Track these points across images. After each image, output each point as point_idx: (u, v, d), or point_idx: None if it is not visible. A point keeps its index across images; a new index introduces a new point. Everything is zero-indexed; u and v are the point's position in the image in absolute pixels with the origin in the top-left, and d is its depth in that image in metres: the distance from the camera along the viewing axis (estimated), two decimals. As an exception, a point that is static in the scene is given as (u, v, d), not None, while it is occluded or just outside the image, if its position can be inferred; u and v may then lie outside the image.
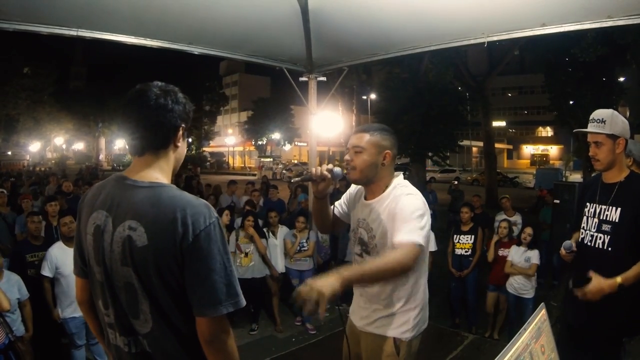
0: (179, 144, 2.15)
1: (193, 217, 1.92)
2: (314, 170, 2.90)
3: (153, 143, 2.07)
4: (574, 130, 4.02)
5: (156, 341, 2.01)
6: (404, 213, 2.74)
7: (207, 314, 1.92)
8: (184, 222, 1.90)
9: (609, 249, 3.41)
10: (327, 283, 2.27)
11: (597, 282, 3.21)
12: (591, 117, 3.50)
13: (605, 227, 3.45)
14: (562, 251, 3.74)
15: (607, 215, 3.46)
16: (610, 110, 3.48)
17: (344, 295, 2.72)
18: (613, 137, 3.40)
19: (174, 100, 2.07)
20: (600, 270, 3.29)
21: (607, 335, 3.42)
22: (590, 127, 3.46)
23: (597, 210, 3.54)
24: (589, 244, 3.56)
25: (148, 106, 2.02)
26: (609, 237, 3.42)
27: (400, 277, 2.79)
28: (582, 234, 3.65)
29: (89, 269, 2.13)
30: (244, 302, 2.01)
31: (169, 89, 2.10)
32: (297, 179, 3.21)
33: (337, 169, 2.92)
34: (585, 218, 3.64)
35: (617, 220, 3.38)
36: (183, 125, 2.13)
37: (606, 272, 3.25)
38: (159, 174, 2.09)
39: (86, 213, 2.11)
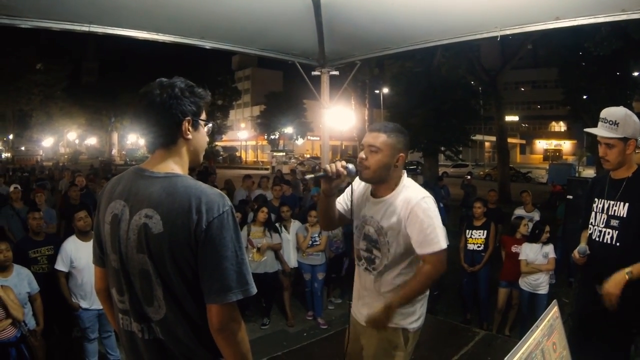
0: (189, 137, 2.16)
1: (207, 205, 1.98)
2: (329, 167, 2.88)
3: (160, 140, 2.15)
4: (585, 130, 4.00)
5: (169, 328, 2.05)
6: (421, 223, 2.87)
7: (217, 301, 1.97)
8: (198, 210, 1.97)
9: (617, 244, 3.46)
10: (382, 315, 2.90)
11: (611, 284, 3.29)
12: (603, 117, 3.51)
13: (614, 223, 3.50)
14: (576, 254, 3.76)
15: (615, 210, 3.51)
16: (623, 111, 3.47)
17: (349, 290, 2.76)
18: (625, 140, 3.44)
19: (171, 96, 2.08)
20: (608, 265, 3.40)
21: (618, 325, 3.45)
22: (602, 128, 3.49)
23: (606, 206, 3.59)
24: (597, 239, 3.62)
25: (147, 107, 2.10)
26: (617, 232, 3.47)
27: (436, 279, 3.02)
28: (590, 230, 3.72)
29: (106, 257, 2.19)
30: (254, 290, 2.08)
31: (166, 84, 2.12)
32: (311, 175, 3.21)
33: (351, 166, 2.92)
34: (593, 214, 3.70)
35: (624, 216, 3.44)
36: (188, 117, 2.13)
37: (614, 266, 3.34)
38: (175, 165, 2.16)
39: (105, 203, 2.19)
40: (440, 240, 2.84)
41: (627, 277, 3.24)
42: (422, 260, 2.92)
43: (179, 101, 2.10)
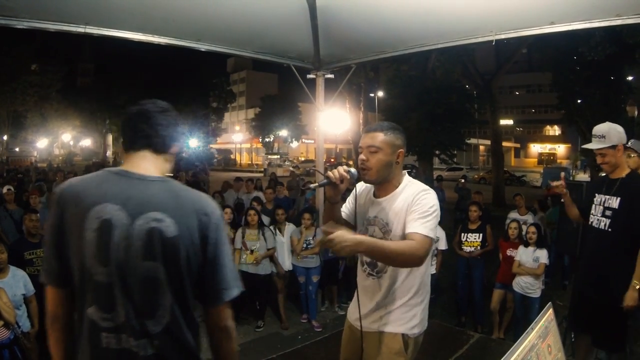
0: (170, 160, 2.24)
1: (210, 209, 2.09)
2: (332, 173, 2.86)
3: (153, 142, 2.14)
4: (583, 146, 5.31)
5: (170, 338, 2.00)
6: (421, 208, 2.80)
7: (223, 299, 2.05)
8: (205, 213, 2.06)
9: (609, 229, 4.32)
10: (348, 239, 2.45)
11: (626, 298, 4.07)
12: (593, 133, 4.41)
13: (608, 213, 4.35)
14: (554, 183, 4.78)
15: (609, 203, 4.36)
16: (607, 125, 4.33)
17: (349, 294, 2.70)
18: (613, 147, 4.28)
19: (176, 120, 2.23)
20: (603, 247, 4.35)
21: (613, 304, 4.18)
22: (595, 142, 4.36)
23: (603, 200, 4.43)
24: (595, 226, 4.47)
25: (157, 111, 2.16)
26: (610, 220, 4.33)
27: (407, 265, 2.86)
28: (590, 219, 4.56)
29: (82, 272, 1.97)
30: (242, 287, 2.16)
31: (172, 108, 2.26)
32: (315, 184, 3.19)
33: (353, 170, 2.92)
34: (593, 206, 4.54)
35: (617, 207, 4.29)
36: (177, 143, 2.23)
37: (607, 248, 4.31)
38: (159, 172, 2.15)
39: (80, 209, 1.96)
40: (429, 230, 2.73)
41: (637, 287, 4.04)
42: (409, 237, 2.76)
43: (181, 130, 2.27)
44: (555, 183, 4.75)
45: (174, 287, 1.97)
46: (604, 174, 4.72)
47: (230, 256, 2.16)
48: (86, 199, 1.97)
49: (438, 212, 2.84)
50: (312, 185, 3.26)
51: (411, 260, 2.70)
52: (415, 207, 2.82)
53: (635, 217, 4.14)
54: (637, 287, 4.03)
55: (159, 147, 2.15)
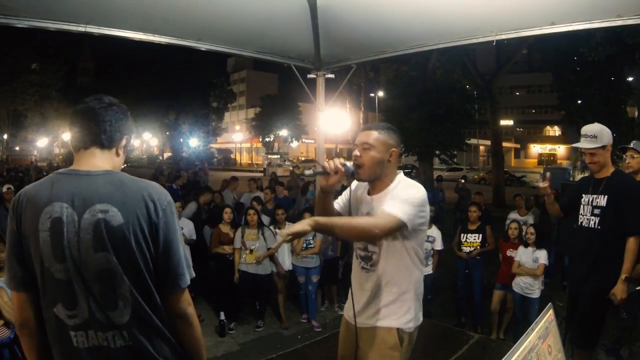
0: (120, 153, 2.28)
1: (157, 195, 2.13)
2: (327, 163, 2.93)
3: (100, 139, 2.18)
4: (572, 145, 5.21)
5: (139, 327, 2.05)
6: (400, 196, 2.85)
7: (180, 286, 2.11)
8: (152, 199, 2.10)
9: (599, 227, 4.48)
10: (300, 223, 2.56)
11: (616, 291, 4.23)
12: (583, 133, 4.56)
13: (596, 211, 4.52)
14: (540, 184, 4.91)
15: (597, 202, 4.52)
16: (598, 126, 4.52)
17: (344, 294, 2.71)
18: (603, 147, 4.47)
19: (124, 113, 2.27)
20: (593, 244, 4.51)
21: (594, 293, 4.43)
22: (585, 142, 4.52)
23: (591, 199, 4.59)
24: (585, 225, 4.62)
25: (102, 107, 2.20)
26: (598, 218, 4.49)
27: (363, 238, 2.99)
28: (580, 219, 4.70)
29: (42, 272, 2.03)
30: (193, 273, 2.23)
31: (119, 102, 2.29)
32: (309, 171, 3.23)
33: (349, 164, 2.97)
34: (582, 206, 4.69)
35: (604, 205, 4.45)
36: (127, 136, 2.28)
37: (597, 245, 4.47)
38: (108, 166, 2.18)
39: (33, 212, 2.04)
40: (398, 210, 2.75)
41: (624, 279, 4.20)
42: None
43: (128, 121, 2.30)
44: (541, 185, 4.87)
45: (130, 275, 2.02)
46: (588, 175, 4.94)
47: (182, 243, 2.18)
48: (38, 202, 2.05)
49: (418, 201, 2.86)
50: (306, 172, 3.31)
51: (365, 232, 2.79)
52: (395, 195, 2.89)
53: (623, 213, 4.34)
54: (624, 277, 4.21)
55: (107, 143, 2.20)
